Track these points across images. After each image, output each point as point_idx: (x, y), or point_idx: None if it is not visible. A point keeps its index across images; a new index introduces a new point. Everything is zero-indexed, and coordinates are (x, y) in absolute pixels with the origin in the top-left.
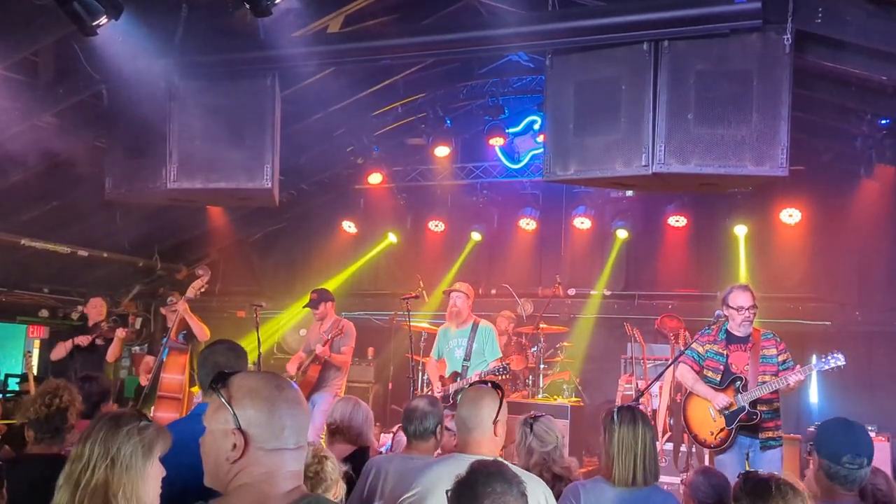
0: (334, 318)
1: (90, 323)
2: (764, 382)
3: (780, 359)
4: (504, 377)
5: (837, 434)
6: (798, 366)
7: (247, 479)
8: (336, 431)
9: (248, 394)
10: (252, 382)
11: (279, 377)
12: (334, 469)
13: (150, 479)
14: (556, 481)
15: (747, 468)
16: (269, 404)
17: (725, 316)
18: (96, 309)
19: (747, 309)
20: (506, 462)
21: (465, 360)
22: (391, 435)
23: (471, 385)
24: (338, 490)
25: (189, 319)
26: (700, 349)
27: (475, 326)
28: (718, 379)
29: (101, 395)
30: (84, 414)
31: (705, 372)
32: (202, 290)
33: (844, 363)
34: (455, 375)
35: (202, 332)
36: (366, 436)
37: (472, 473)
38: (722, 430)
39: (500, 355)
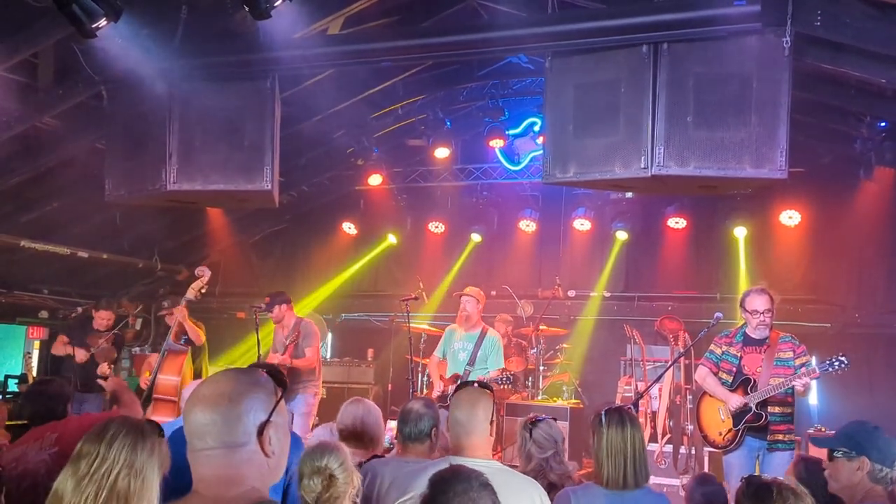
0: (295, 320)
1: (94, 325)
2: (770, 385)
3: (798, 362)
4: (506, 387)
5: (884, 440)
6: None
7: (195, 484)
8: (349, 437)
9: None
10: None
11: (230, 372)
12: (346, 479)
13: (155, 496)
14: (551, 489)
15: (757, 471)
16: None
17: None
18: (103, 321)
19: (762, 313)
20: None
21: (468, 364)
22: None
23: (459, 387)
24: (354, 484)
25: (185, 324)
26: (717, 350)
27: (483, 334)
28: (730, 380)
29: (65, 396)
30: (55, 415)
31: (720, 374)
32: (202, 290)
33: (848, 364)
34: (456, 377)
35: (198, 338)
36: (378, 440)
37: (430, 487)
38: (729, 430)
39: (503, 366)
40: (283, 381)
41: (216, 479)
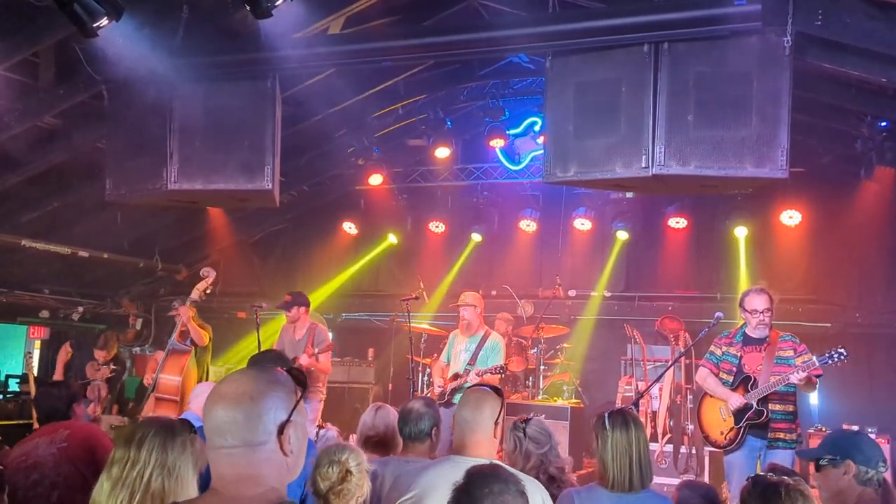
0: (309, 323)
1: (95, 354)
2: (770, 381)
3: (799, 361)
4: (501, 375)
5: (866, 442)
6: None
7: (213, 482)
8: (378, 444)
9: None
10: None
11: (250, 371)
12: (359, 480)
13: (193, 492)
14: (550, 483)
15: (758, 471)
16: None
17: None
18: (100, 358)
19: (761, 312)
20: (501, 464)
21: (468, 363)
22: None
23: (470, 387)
24: (363, 491)
25: (189, 325)
26: (718, 351)
27: (486, 336)
28: (731, 380)
29: (69, 397)
30: (60, 415)
31: (721, 374)
32: (207, 291)
33: (847, 355)
34: (455, 376)
35: (200, 339)
36: (399, 444)
37: (467, 478)
38: (731, 429)
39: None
40: (302, 380)
41: (235, 478)
